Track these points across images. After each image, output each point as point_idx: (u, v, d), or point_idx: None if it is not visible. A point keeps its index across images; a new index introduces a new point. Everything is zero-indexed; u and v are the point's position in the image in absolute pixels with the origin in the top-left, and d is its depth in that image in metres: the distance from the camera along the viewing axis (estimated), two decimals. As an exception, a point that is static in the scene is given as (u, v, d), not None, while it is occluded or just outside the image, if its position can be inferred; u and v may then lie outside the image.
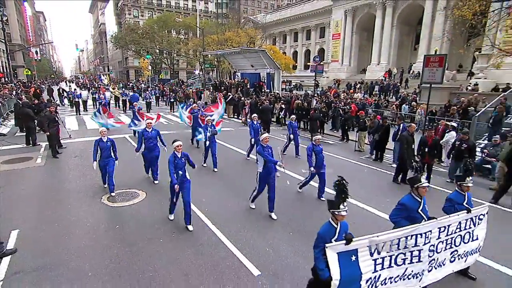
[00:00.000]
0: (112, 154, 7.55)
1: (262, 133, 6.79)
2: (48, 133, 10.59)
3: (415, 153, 8.94)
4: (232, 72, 36.95)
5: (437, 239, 3.86)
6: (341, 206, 3.28)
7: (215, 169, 9.57)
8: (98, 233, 5.79)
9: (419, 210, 4.03)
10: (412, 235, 3.56)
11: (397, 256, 3.52)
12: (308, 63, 53.04)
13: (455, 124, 11.28)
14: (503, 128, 11.02)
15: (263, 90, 26.84)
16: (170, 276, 4.51)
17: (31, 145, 11.98)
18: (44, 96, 24.30)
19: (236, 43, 40.19)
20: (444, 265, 4.03)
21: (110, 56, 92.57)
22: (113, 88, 22.88)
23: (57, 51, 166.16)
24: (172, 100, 25.28)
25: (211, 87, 34.58)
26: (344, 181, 3.37)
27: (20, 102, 14.22)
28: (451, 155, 9.04)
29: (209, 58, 42.19)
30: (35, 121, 12.49)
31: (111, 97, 25.75)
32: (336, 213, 3.32)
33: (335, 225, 3.38)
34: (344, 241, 3.23)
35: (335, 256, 3.17)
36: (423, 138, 8.73)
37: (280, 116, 19.19)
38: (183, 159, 5.98)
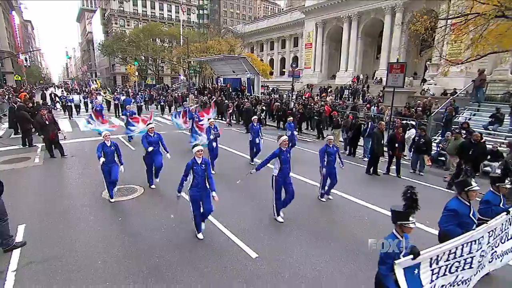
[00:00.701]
0: (116, 158, 6.75)
1: (280, 136, 6.01)
2: (42, 136, 10.17)
3: (387, 148, 9.34)
4: (215, 78, 36.73)
5: (486, 244, 3.53)
6: (411, 218, 2.84)
7: (212, 172, 8.61)
8: (103, 225, 5.70)
9: (470, 215, 3.63)
10: (468, 243, 3.23)
11: (452, 264, 3.20)
12: (283, 70, 53.60)
13: (414, 123, 11.85)
14: (453, 126, 11.73)
15: (244, 94, 26.93)
16: (175, 261, 4.54)
17: (27, 146, 11.47)
18: (36, 100, 23.27)
19: (217, 51, 40.00)
20: (484, 266, 3.70)
21: (97, 63, 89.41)
22: (104, 93, 21.98)
23: (45, 58, 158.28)
24: (162, 103, 24.65)
25: (196, 92, 34.25)
26: (414, 190, 2.90)
27: (15, 105, 13.55)
28: (412, 149, 9.55)
29: (193, 65, 41.78)
30: (31, 123, 11.95)
31: (103, 101, 24.69)
32: (405, 225, 2.84)
33: (400, 238, 2.87)
34: (411, 256, 2.80)
35: (401, 271, 2.80)
36: (392, 135, 9.15)
37: (261, 117, 19.37)
38: (203, 165, 5.02)
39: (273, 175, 5.82)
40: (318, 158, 6.90)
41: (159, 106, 25.52)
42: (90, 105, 23.45)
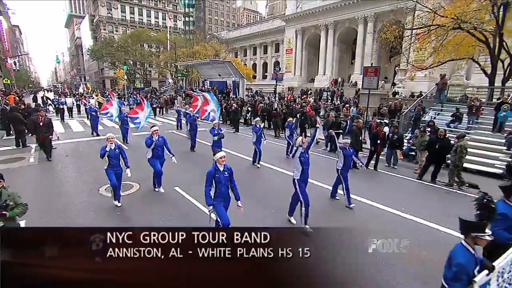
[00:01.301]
0: (122, 162, 6.13)
1: (298, 137, 5.58)
2: (35, 136, 9.73)
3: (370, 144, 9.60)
4: (202, 81, 36.42)
5: None
6: (487, 230, 2.42)
7: None
8: (103, 218, 5.60)
9: None
10: None
11: None
12: (265, 74, 53.84)
13: (387, 121, 12.25)
14: (421, 124, 12.23)
15: (230, 96, 26.87)
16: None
17: (21, 147, 10.97)
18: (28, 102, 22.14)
19: (203, 56, 39.78)
20: None
21: (86, 67, 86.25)
22: (96, 95, 21.03)
23: (34, 63, 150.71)
24: (154, 105, 23.51)
25: (183, 94, 33.81)
26: (490, 198, 2.56)
27: (7, 107, 12.92)
28: (387, 145, 9.88)
29: (180, 69, 41.29)
30: (24, 124, 11.43)
31: (96, 103, 23.67)
32: (480, 237, 2.42)
33: (472, 251, 2.45)
34: (486, 271, 2.41)
35: None
36: (375, 133, 9.41)
37: (247, 118, 19.41)
38: (226, 173, 4.34)
39: (294, 178, 5.28)
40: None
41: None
42: (82, 108, 22.36)
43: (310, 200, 5.20)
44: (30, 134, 10.68)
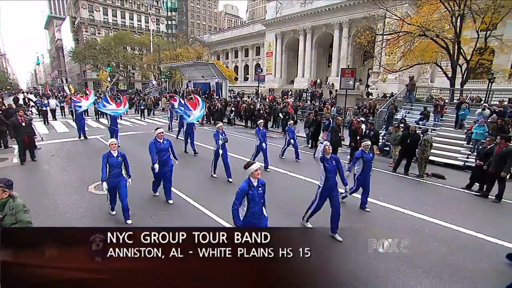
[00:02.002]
0: (124, 171, 5.21)
1: (322, 142, 4.93)
2: (15, 139, 8.94)
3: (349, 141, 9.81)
4: (186, 82, 35.83)
5: None
6: None
7: (230, 179, 7.37)
8: (94, 215, 5.39)
9: None
10: None
11: None
12: (247, 76, 53.90)
13: (363, 119, 12.64)
14: (393, 122, 12.72)
15: (212, 97, 26.64)
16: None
17: (2, 148, 10.30)
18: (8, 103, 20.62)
19: (186, 58, 39.24)
20: None
21: (68, 69, 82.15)
22: (81, 97, 19.86)
23: (11, 65, 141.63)
24: (142, 107, 22.35)
25: (167, 95, 33.14)
26: None
27: (-13, 108, 12.06)
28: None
29: (164, 70, 40.46)
30: (6, 125, 10.70)
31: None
32: None
33: None
34: None
35: None
36: (354, 130, 9.67)
37: (230, 117, 19.34)
38: (260, 188, 3.58)
39: (319, 185, 4.84)
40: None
41: (139, 110, 23.15)
42: (67, 110, 20.99)
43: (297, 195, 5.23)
44: (10, 136, 9.98)
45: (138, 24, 71.10)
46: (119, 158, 5.10)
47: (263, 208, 3.64)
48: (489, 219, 5.92)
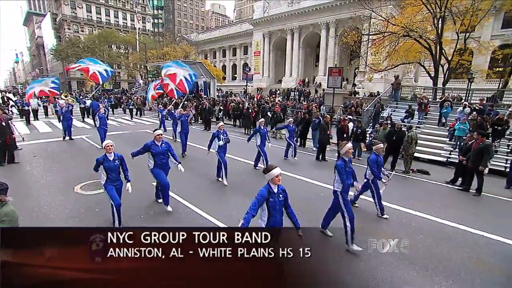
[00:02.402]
0: (122, 175, 4.82)
1: (343, 144, 4.55)
2: None
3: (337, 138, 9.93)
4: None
5: None
6: None
7: (226, 182, 6.99)
8: (80, 216, 5.23)
9: None
10: None
11: None
12: (235, 75, 53.75)
13: (351, 117, 12.87)
14: (380, 120, 13.03)
15: (200, 96, 26.39)
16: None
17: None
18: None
19: (173, 57, 38.75)
20: None
21: (49, 68, 79.06)
22: (66, 96, 18.71)
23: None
24: (131, 107, 21.49)
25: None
26: None
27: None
28: (352, 138, 10.39)
29: (150, 69, 39.81)
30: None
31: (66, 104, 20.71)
32: None
33: None
34: None
35: None
36: (341, 127, 9.82)
37: (219, 116, 19.24)
38: (281, 196, 3.29)
39: (335, 190, 4.44)
40: (273, 150, 6.88)
41: (127, 110, 22.23)
42: (51, 110, 19.73)
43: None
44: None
45: (123, 22, 69.46)
46: (116, 161, 4.62)
47: (283, 217, 3.32)
48: (470, 211, 6.17)
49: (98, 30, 60.90)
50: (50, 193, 6.27)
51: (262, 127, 8.12)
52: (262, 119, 8.64)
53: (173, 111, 12.23)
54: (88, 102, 19.21)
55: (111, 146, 4.63)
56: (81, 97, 27.23)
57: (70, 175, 7.32)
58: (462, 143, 8.95)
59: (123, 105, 24.95)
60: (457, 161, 8.45)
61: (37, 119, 17.99)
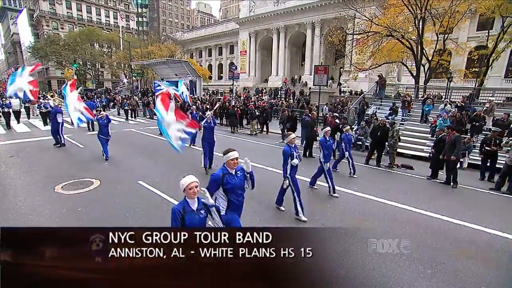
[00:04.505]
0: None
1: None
2: None
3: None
4: (159, 79, 34.72)
5: None
6: None
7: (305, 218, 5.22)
8: (61, 216, 5.01)
9: None
10: None
11: None
12: (221, 74, 53.43)
13: (337, 114, 13.06)
14: (365, 117, 13.29)
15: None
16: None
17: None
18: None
19: (158, 56, 38.00)
20: None
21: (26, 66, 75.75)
22: (52, 96, 16.58)
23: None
24: (126, 107, 19.88)
25: (140, 94, 31.91)
26: None
27: None
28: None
29: (135, 68, 38.90)
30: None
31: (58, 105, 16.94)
32: None
33: None
34: None
35: None
36: (328, 124, 9.91)
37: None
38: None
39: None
40: (260, 148, 6.94)
41: (122, 111, 20.75)
42: (36, 111, 17.19)
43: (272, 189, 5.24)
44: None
45: (106, 20, 67.49)
46: (202, 212, 2.64)
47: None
48: (451, 203, 6.39)
49: (79, 27, 58.92)
50: (29, 194, 5.97)
51: (327, 138, 6.39)
52: (328, 128, 6.83)
53: (194, 112, 11.99)
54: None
55: (196, 185, 2.61)
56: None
57: (51, 175, 7.03)
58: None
59: (117, 105, 23.03)
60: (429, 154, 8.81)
61: (19, 122, 15.80)
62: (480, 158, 9.00)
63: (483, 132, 10.71)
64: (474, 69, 24.15)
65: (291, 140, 5.21)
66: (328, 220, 5.20)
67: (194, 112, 12.09)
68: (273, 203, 5.58)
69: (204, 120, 7.87)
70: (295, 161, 5.13)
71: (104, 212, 5.20)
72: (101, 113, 8.98)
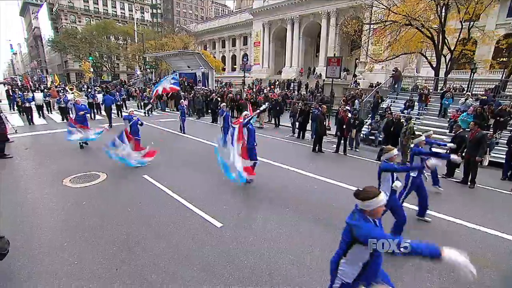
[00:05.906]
0: None
1: (418, 136, 4.97)
2: None
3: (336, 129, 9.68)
4: (171, 72, 34.97)
5: None
6: None
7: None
8: (67, 209, 5.10)
9: None
10: None
11: None
12: (234, 66, 53.13)
13: (349, 108, 12.62)
14: (379, 111, 12.78)
15: (194, 87, 25.95)
16: (143, 236, 4.25)
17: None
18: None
19: (172, 48, 38.19)
20: None
21: (48, 60, 78.06)
22: (71, 89, 15.70)
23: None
24: (146, 101, 18.89)
25: (152, 86, 32.28)
26: None
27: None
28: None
29: (148, 61, 39.31)
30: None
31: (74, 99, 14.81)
32: None
33: None
34: None
35: None
36: (341, 118, 9.57)
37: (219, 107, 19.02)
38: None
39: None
40: (272, 142, 6.79)
41: (142, 104, 20.16)
42: (56, 105, 16.53)
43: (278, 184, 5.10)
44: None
45: (121, 13, 68.43)
46: None
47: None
48: (467, 205, 6.02)
49: (96, 20, 60.07)
50: (38, 186, 6.12)
51: (421, 149, 5.09)
52: (423, 137, 5.45)
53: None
54: (100, 97, 17.10)
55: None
56: (89, 90, 24.26)
57: (61, 168, 7.18)
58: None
59: (136, 99, 22.14)
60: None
61: (43, 117, 15.36)
62: (503, 156, 8.43)
63: (507, 128, 10.03)
64: (502, 59, 22.65)
65: (392, 158, 3.97)
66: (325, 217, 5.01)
67: (225, 112, 10.09)
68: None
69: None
70: (397, 183, 3.84)
71: (108, 206, 5.25)
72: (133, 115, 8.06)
